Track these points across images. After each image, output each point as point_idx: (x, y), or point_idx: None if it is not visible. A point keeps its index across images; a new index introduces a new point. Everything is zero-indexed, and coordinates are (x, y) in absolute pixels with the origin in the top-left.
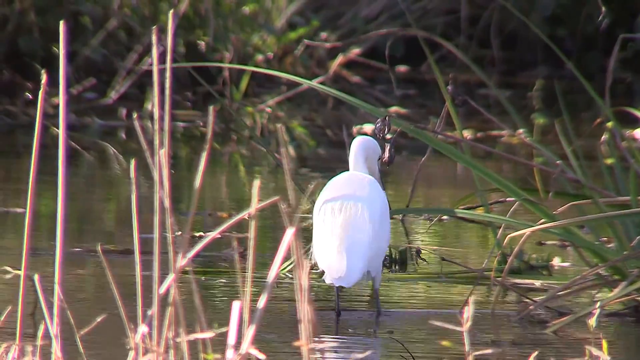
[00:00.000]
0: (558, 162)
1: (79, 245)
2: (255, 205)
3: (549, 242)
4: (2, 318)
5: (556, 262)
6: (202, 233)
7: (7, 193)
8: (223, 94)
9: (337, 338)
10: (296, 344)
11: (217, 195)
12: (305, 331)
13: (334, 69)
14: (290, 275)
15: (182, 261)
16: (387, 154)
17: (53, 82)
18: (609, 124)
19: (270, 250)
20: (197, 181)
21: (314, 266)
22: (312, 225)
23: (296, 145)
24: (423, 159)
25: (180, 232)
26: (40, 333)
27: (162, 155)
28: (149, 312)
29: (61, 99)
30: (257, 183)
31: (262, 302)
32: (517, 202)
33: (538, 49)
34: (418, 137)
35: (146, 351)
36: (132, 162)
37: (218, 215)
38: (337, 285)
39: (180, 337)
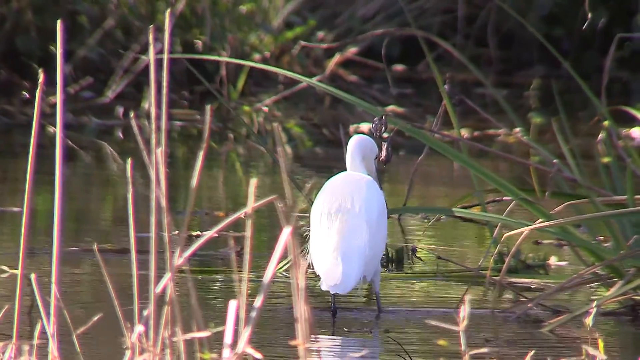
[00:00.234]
0: (555, 161)
1: (76, 244)
2: (251, 204)
3: (545, 241)
4: None
5: (553, 261)
6: (199, 232)
7: (4, 192)
8: (220, 93)
9: (334, 337)
10: (293, 343)
11: (214, 194)
12: (301, 330)
13: (330, 68)
14: (287, 274)
15: (178, 260)
16: (384, 153)
17: (50, 82)
18: (606, 123)
19: (267, 249)
20: (194, 180)
21: (310, 266)
22: (308, 226)
23: (293, 144)
24: (420, 158)
25: (176, 231)
26: (37, 332)
27: (159, 154)
28: (146, 312)
29: (58, 98)
30: (253, 182)
31: (258, 301)
32: (513, 202)
33: (535, 48)
34: (415, 136)
35: (142, 350)
36: (129, 162)
37: (215, 214)
38: (332, 293)
39: (177, 336)
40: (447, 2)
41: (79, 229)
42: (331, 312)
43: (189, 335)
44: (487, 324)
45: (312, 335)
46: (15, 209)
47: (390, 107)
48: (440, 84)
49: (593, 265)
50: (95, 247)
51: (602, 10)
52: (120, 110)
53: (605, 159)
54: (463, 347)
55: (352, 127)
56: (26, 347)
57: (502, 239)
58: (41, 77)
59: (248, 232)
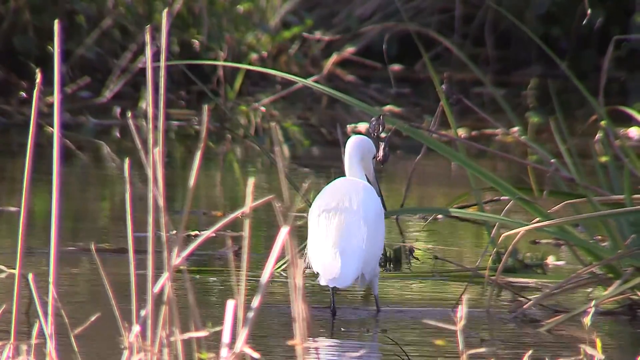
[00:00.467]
0: (552, 160)
1: (74, 244)
2: (249, 204)
3: (543, 241)
4: None
5: (550, 260)
6: (197, 232)
7: (1, 192)
8: (217, 92)
9: (332, 337)
10: (290, 343)
11: (211, 194)
12: (299, 330)
13: (328, 67)
14: (284, 274)
15: (176, 260)
16: (381, 153)
17: (48, 81)
18: (603, 123)
19: (264, 249)
20: (192, 180)
21: (307, 267)
22: (306, 227)
23: (290, 144)
24: (417, 157)
25: (174, 231)
26: (34, 332)
27: (156, 154)
28: (143, 311)
29: (56, 98)
30: (251, 182)
31: (256, 301)
32: (511, 201)
33: (532, 47)
34: (413, 135)
35: (140, 350)
36: (126, 162)
37: (212, 214)
38: (331, 287)
39: (175, 336)
40: (444, 2)
41: (77, 229)
42: (331, 312)
43: (186, 335)
44: (484, 323)
45: (310, 335)
46: (13, 209)
47: (388, 107)
48: (437, 83)
49: (591, 264)
50: (93, 246)
51: (599, 10)
52: (117, 110)
53: (603, 159)
54: (460, 347)
55: (349, 127)
56: (24, 347)
57: (500, 238)
58: (39, 76)
59: (246, 232)
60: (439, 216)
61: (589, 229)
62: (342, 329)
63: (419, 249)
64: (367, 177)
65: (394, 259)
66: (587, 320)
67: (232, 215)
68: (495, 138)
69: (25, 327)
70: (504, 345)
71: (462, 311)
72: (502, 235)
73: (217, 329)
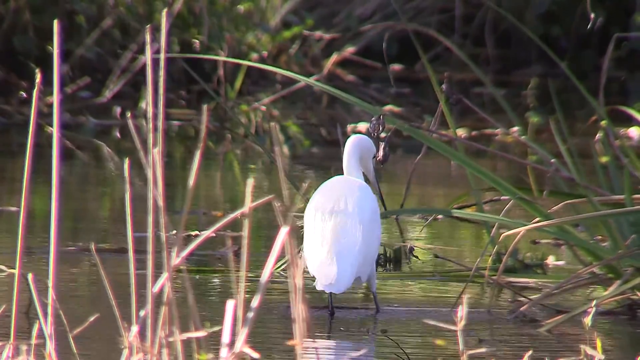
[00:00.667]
0: (552, 160)
1: (73, 244)
2: (249, 204)
3: (543, 241)
4: None
5: (550, 260)
6: (197, 232)
7: (2, 192)
8: (218, 92)
9: (331, 337)
10: (290, 343)
11: (211, 194)
12: (299, 330)
13: (328, 67)
14: (284, 274)
15: (175, 260)
16: (381, 153)
17: (48, 81)
18: (603, 123)
19: (264, 249)
20: (191, 180)
21: (305, 269)
22: (302, 228)
23: (291, 144)
24: (418, 157)
25: (174, 231)
26: (34, 332)
27: (156, 154)
28: (143, 311)
29: (55, 98)
30: (250, 182)
31: (256, 301)
32: (511, 201)
33: (532, 47)
34: (413, 135)
35: (140, 350)
36: (126, 162)
37: (213, 214)
38: (328, 292)
39: (174, 336)
40: (444, 1)
41: (77, 229)
42: (329, 313)
43: (186, 335)
44: (484, 323)
45: (310, 335)
46: (13, 209)
47: (388, 107)
48: (435, 83)
49: (591, 264)
50: (93, 246)
51: (599, 10)
52: (117, 109)
53: (603, 159)
54: (461, 347)
55: (349, 127)
56: (24, 347)
57: (500, 238)
58: (38, 77)
59: (245, 232)
60: (439, 216)
61: (589, 229)
62: (342, 329)
63: (419, 249)
64: (364, 177)
65: (394, 259)
66: (587, 320)
67: (231, 216)
68: (495, 138)
69: (25, 327)
70: (504, 345)
71: (462, 311)
72: (502, 235)
73: (217, 329)
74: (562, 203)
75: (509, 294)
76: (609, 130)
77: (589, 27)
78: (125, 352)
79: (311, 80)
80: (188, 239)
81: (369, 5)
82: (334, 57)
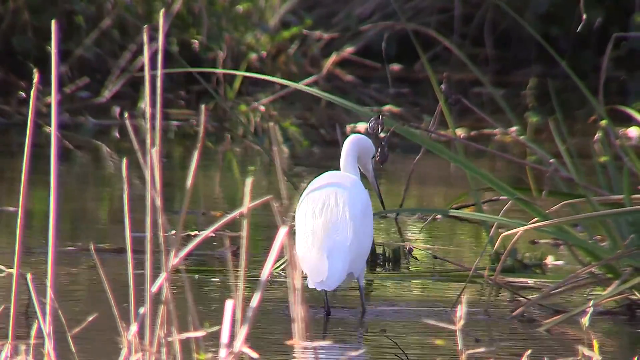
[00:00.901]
0: (551, 160)
1: (72, 244)
2: (247, 204)
3: (542, 241)
4: None
5: (549, 260)
6: (196, 232)
7: (1, 192)
8: (217, 92)
9: (330, 336)
10: (289, 342)
11: (211, 194)
12: (298, 330)
13: (327, 67)
14: (283, 274)
15: (174, 260)
16: (380, 153)
17: (47, 81)
18: (603, 123)
19: (263, 249)
20: (189, 179)
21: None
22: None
23: (290, 144)
24: (417, 157)
25: (173, 231)
26: (33, 332)
27: (154, 154)
28: (142, 311)
29: (53, 98)
30: (249, 182)
31: (255, 301)
32: (510, 201)
33: (532, 47)
34: (410, 137)
35: (138, 350)
36: (124, 161)
37: (212, 214)
38: (319, 290)
39: (173, 335)
40: (443, 1)
41: (75, 229)
42: (325, 312)
43: (184, 335)
44: (483, 323)
45: (309, 335)
46: (12, 209)
47: (387, 107)
48: (435, 83)
49: (590, 264)
50: (92, 246)
51: (598, 10)
52: (116, 110)
53: (602, 158)
54: (460, 347)
55: (348, 127)
56: (23, 347)
57: (499, 238)
58: (36, 77)
59: (244, 232)
60: (438, 216)
61: (588, 228)
62: (340, 329)
63: (418, 249)
64: (361, 175)
65: (393, 259)
66: (584, 320)
67: (230, 216)
68: (494, 138)
69: (24, 327)
70: (503, 345)
71: (461, 311)
72: (501, 235)
73: (216, 328)
74: (561, 203)
75: (508, 293)
76: (608, 130)
77: (579, 28)
78: (124, 351)
79: (301, 86)
80: (188, 239)
81: (368, 5)
82: (333, 57)
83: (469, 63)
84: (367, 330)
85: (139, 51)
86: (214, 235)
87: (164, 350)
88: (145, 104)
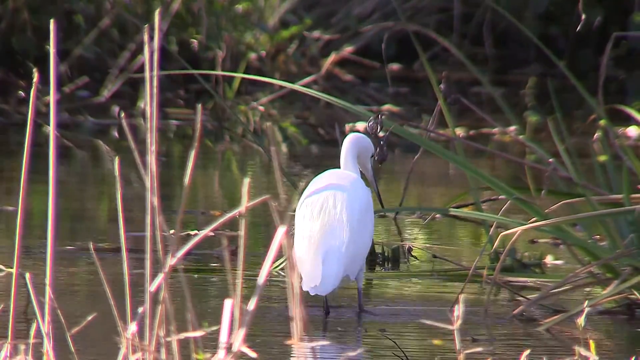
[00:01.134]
0: (550, 160)
1: (72, 243)
2: (245, 203)
3: (541, 240)
4: None
5: (549, 260)
6: (196, 231)
7: (0, 192)
8: (216, 92)
9: (329, 336)
10: (288, 342)
11: (210, 194)
12: (296, 330)
13: (326, 67)
14: (282, 274)
15: (172, 259)
16: (379, 152)
17: (46, 81)
18: (602, 122)
19: (262, 248)
20: (186, 178)
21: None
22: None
23: (289, 143)
24: (416, 157)
25: (172, 231)
26: (32, 331)
27: (152, 153)
28: (140, 310)
29: (52, 98)
30: (247, 181)
31: (253, 301)
32: (509, 200)
33: (531, 46)
34: (409, 138)
35: (137, 349)
36: (116, 160)
37: (211, 214)
38: (312, 294)
39: (171, 335)
40: (443, 1)
41: (75, 228)
42: (324, 312)
43: (183, 335)
44: (482, 322)
45: (308, 335)
46: (11, 208)
47: (387, 106)
48: (435, 82)
49: (589, 264)
50: (91, 246)
51: (598, 9)
52: (116, 109)
53: (601, 158)
54: (458, 346)
55: (347, 126)
56: (22, 346)
57: (498, 237)
58: (35, 76)
59: (242, 232)
60: (438, 215)
61: (587, 228)
62: (340, 329)
63: (418, 248)
64: (361, 174)
65: (392, 259)
66: (580, 320)
67: (228, 215)
68: (493, 137)
69: (23, 327)
70: (502, 345)
71: (459, 310)
72: (500, 235)
73: (214, 328)
74: (560, 202)
75: (507, 293)
76: (607, 130)
77: (578, 27)
78: (123, 351)
79: (298, 87)
80: (187, 239)
81: (368, 4)
82: (333, 57)
83: (468, 63)
84: (366, 330)
85: (138, 51)
86: (213, 234)
87: (162, 349)
88: (144, 104)
